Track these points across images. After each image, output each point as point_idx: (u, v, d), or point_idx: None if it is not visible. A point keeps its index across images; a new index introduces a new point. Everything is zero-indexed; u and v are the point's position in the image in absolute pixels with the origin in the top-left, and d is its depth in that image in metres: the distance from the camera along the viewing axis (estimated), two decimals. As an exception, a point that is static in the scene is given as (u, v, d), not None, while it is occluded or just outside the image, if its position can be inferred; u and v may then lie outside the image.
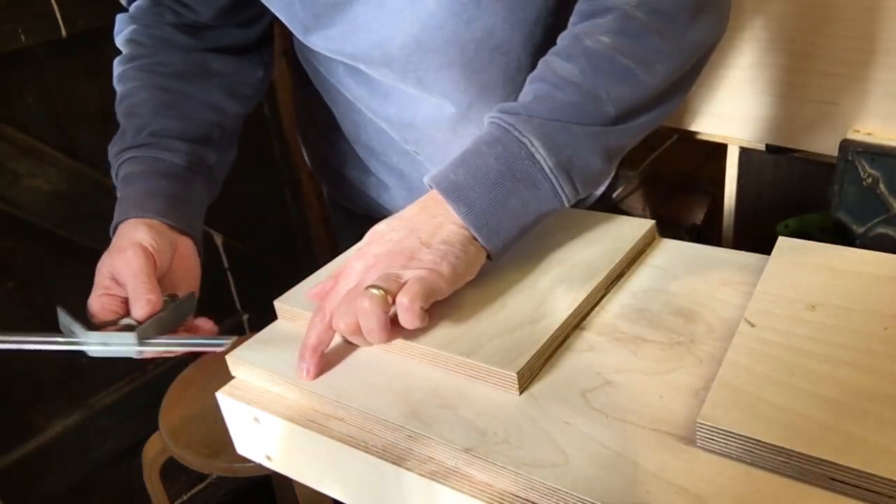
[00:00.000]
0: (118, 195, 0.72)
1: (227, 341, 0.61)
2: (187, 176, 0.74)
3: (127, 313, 0.63)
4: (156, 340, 0.61)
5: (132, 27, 0.79)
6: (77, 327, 0.59)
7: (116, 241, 0.67)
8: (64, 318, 0.61)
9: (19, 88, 1.33)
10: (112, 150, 0.75)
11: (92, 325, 0.61)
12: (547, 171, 0.58)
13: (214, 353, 0.62)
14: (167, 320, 0.63)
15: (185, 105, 0.76)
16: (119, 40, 0.80)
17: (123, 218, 0.68)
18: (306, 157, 1.01)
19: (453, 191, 0.58)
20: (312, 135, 0.96)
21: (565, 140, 0.59)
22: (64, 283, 1.43)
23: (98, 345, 0.59)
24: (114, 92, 0.80)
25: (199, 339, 0.64)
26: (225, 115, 0.80)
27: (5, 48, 1.26)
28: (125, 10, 0.81)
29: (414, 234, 0.58)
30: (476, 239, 0.58)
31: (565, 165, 0.59)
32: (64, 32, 1.31)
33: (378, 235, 0.60)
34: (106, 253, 0.66)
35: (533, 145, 0.58)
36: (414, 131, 0.81)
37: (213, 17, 0.77)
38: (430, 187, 0.60)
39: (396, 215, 0.61)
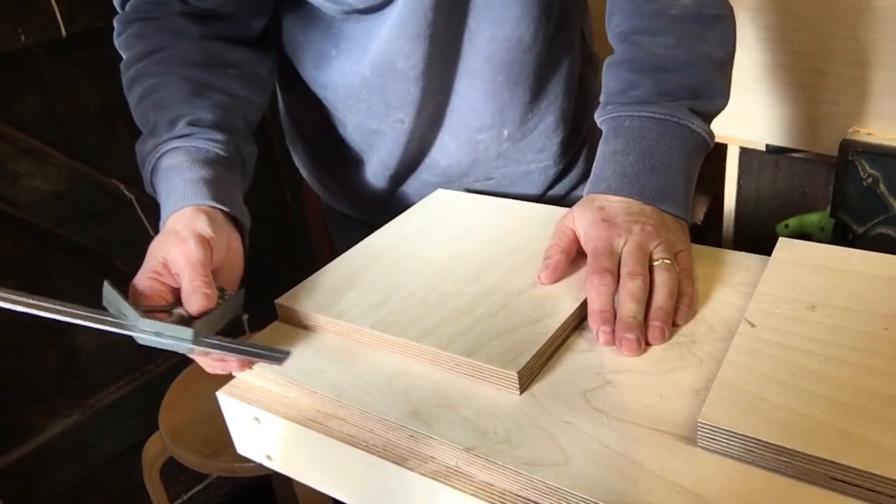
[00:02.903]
0: (160, 189, 0.67)
1: (284, 355, 0.58)
2: (229, 166, 0.71)
3: (176, 302, 0.58)
4: (210, 340, 0.56)
5: (137, 24, 0.76)
6: (128, 310, 0.55)
7: (174, 225, 0.62)
8: (111, 295, 0.56)
9: (19, 88, 1.32)
10: (144, 147, 0.70)
11: (140, 308, 0.56)
12: (706, 137, 0.67)
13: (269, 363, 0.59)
14: (217, 317, 0.58)
15: (212, 95, 0.73)
16: (121, 42, 0.77)
17: (180, 206, 0.63)
18: (297, 163, 1.00)
19: (660, 196, 0.63)
20: (298, 140, 0.95)
21: (708, 108, 0.68)
22: (64, 283, 1.43)
23: (151, 334, 0.54)
24: (114, 91, 0.78)
25: (255, 348, 0.59)
26: (248, 104, 0.77)
27: (5, 48, 1.26)
28: (120, 13, 0.77)
29: (649, 220, 0.61)
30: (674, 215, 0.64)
31: (710, 125, 0.69)
32: (64, 32, 1.31)
33: (605, 247, 0.60)
34: (161, 236, 0.62)
35: (694, 124, 0.66)
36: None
37: (221, 3, 0.74)
38: (610, 193, 0.63)
39: (600, 229, 0.61)
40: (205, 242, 0.60)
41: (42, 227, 1.38)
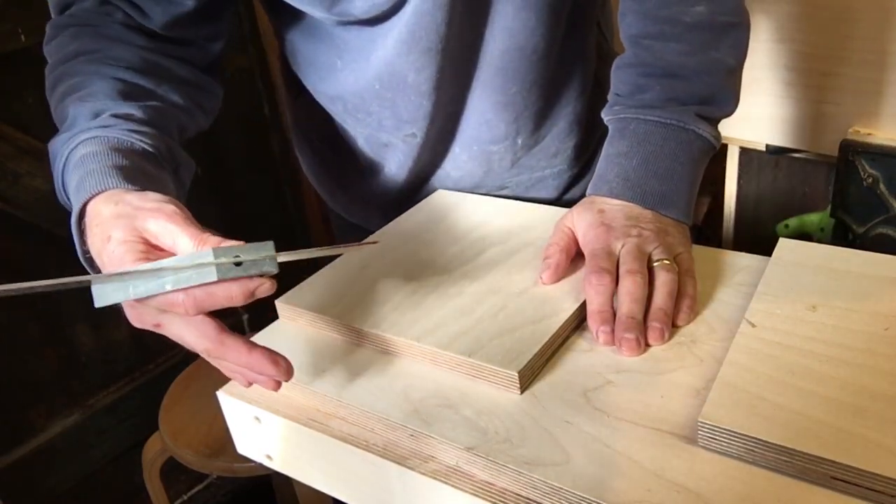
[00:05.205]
0: (72, 178, 0.57)
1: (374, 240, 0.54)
2: (158, 165, 0.60)
3: None
4: (291, 252, 0.48)
5: (72, 29, 0.67)
6: (181, 258, 0.46)
7: (117, 204, 0.52)
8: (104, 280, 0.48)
9: (19, 88, 1.32)
10: (56, 142, 0.60)
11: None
12: (713, 141, 0.68)
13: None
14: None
15: (146, 100, 0.64)
16: (51, 47, 0.67)
17: (99, 189, 0.53)
18: (305, 171, 1.00)
19: (660, 201, 0.64)
20: (306, 147, 0.94)
21: (716, 113, 0.69)
22: (64, 283, 1.43)
23: (230, 262, 0.45)
24: None
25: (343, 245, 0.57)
26: (188, 116, 0.68)
27: (5, 48, 1.26)
28: (54, 17, 0.69)
29: (647, 226, 0.62)
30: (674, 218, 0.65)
31: (717, 128, 0.69)
32: (64, 32, 1.31)
33: (602, 248, 0.60)
34: (114, 221, 0.51)
35: (700, 128, 0.66)
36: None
37: (166, 25, 0.68)
38: (611, 196, 0.64)
39: (602, 234, 0.61)
40: (178, 204, 0.52)
41: (42, 227, 1.38)
